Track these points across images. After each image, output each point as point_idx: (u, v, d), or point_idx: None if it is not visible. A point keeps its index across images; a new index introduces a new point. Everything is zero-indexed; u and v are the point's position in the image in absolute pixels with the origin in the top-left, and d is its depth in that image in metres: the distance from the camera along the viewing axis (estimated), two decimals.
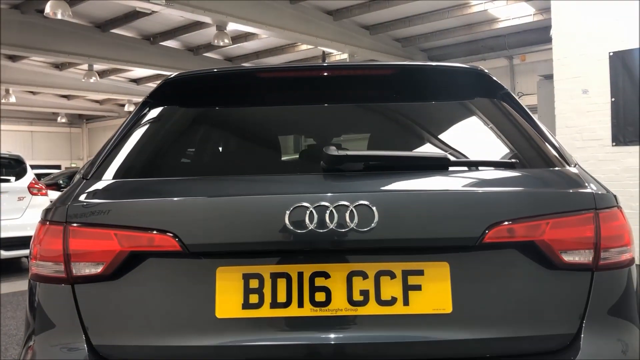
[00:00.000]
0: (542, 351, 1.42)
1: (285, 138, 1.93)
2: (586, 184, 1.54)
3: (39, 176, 8.71)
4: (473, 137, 1.80)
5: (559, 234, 1.44)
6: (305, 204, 1.37)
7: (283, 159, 1.81)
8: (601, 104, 6.66)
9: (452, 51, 17.47)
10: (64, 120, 28.12)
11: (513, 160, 1.61)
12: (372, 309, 1.38)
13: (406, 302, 1.39)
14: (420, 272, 1.40)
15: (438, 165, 1.55)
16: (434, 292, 1.39)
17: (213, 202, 1.45)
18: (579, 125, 6.84)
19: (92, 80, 17.58)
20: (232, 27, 13.06)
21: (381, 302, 1.38)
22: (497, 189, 1.50)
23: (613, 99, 6.59)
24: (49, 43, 14.14)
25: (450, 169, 1.56)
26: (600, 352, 1.43)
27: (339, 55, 16.11)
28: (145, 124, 1.73)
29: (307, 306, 1.38)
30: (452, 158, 1.56)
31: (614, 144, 6.61)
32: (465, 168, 1.61)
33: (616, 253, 1.50)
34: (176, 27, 14.88)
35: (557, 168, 1.62)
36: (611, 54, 6.62)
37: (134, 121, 1.74)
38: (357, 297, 1.38)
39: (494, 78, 1.90)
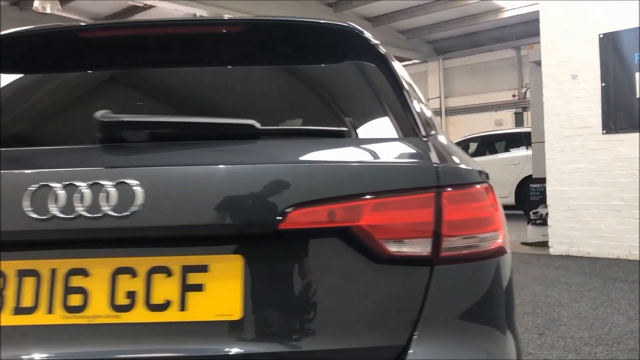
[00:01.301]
0: None
1: (88, 105, 1.59)
2: (429, 156, 1.23)
3: None
4: (311, 103, 1.51)
5: (382, 218, 1.15)
6: (51, 183, 1.10)
7: (72, 129, 1.48)
8: (590, 89, 6.29)
9: (458, 42, 17.09)
10: None
11: (343, 128, 1.33)
12: (139, 315, 1.10)
13: (183, 307, 1.11)
14: (203, 269, 1.12)
15: (242, 135, 1.26)
16: (220, 293, 1.12)
17: None
18: (567, 112, 6.47)
19: None
20: None
21: (151, 307, 1.11)
22: (308, 162, 1.20)
23: (603, 84, 6.21)
24: None
25: (261, 139, 1.27)
26: None
27: None
28: None
29: (59, 312, 1.10)
30: (261, 126, 1.25)
31: (604, 131, 6.23)
32: (280, 138, 1.31)
33: (474, 242, 1.20)
34: None
35: (399, 138, 1.34)
36: (601, 36, 6.24)
37: None
38: (121, 300, 1.11)
39: (366, 37, 1.59)
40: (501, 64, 17.31)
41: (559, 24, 6.56)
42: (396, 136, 1.36)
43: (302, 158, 1.22)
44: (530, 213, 7.59)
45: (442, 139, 1.41)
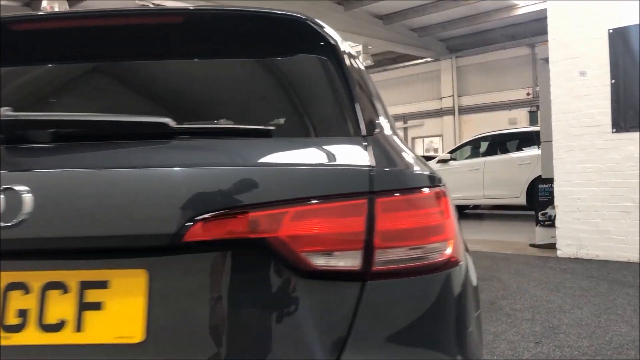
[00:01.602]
0: None
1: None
2: (364, 159, 1.10)
3: None
4: (242, 100, 1.38)
5: (304, 228, 1.03)
6: None
7: None
8: (600, 86, 6.07)
9: (472, 40, 16.83)
10: None
11: (269, 127, 1.19)
12: (31, 336, 1.00)
13: (79, 328, 1.00)
14: (103, 285, 1.01)
15: (155, 134, 1.14)
16: (121, 312, 1.00)
17: None
18: (575, 110, 6.25)
19: None
20: None
21: (44, 327, 1.00)
22: (223, 165, 1.08)
23: (613, 81, 5.99)
24: None
25: (176, 139, 1.15)
26: None
27: (354, 48, 15.67)
28: None
29: None
30: (177, 124, 1.13)
31: (614, 130, 6.01)
32: (198, 138, 1.18)
33: (417, 254, 1.08)
34: None
35: (334, 138, 1.21)
36: (611, 31, 6.02)
37: None
38: (13, 319, 1.00)
39: (315, 28, 1.43)
40: (515, 62, 17.01)
41: (567, 20, 6.36)
42: (331, 135, 1.23)
43: (218, 160, 1.10)
44: (539, 214, 7.38)
45: (389, 138, 1.26)
